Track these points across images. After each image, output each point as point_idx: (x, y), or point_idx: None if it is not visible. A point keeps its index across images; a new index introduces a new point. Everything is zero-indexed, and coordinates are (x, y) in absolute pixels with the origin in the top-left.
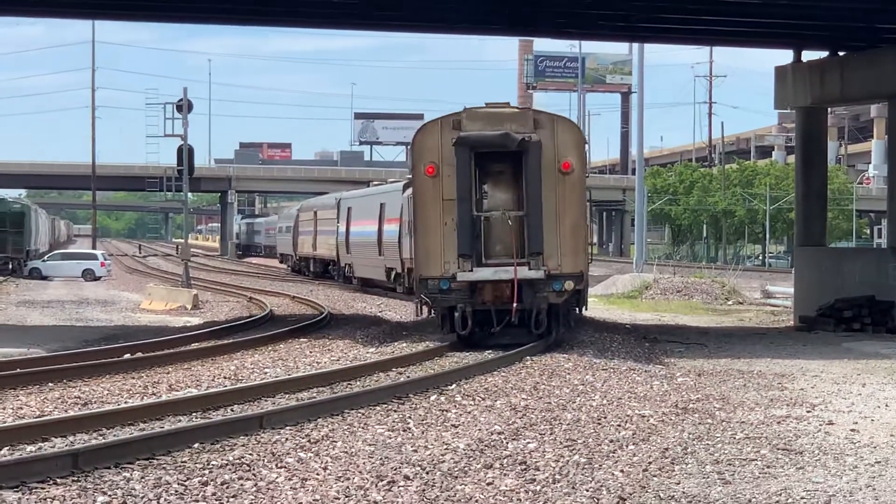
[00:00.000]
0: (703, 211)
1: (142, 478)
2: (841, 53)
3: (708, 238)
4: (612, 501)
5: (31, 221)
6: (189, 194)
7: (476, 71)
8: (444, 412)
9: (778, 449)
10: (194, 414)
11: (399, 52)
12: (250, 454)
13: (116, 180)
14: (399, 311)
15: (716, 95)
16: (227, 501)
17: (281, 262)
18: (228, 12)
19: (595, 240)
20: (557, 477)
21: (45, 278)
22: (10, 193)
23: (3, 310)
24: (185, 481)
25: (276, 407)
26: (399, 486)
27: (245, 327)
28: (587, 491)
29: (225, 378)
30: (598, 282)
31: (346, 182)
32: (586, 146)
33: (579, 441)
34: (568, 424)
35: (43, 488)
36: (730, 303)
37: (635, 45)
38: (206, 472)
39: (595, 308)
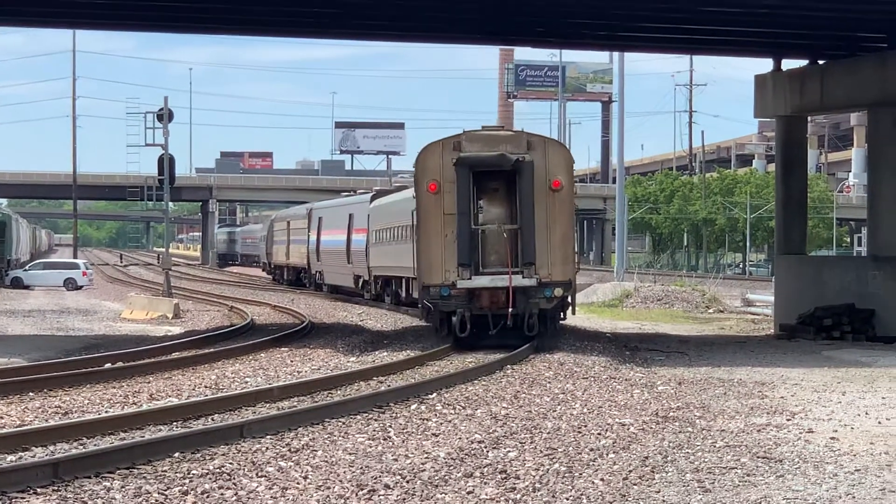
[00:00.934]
0: (684, 219)
1: (122, 487)
2: (821, 62)
3: (688, 246)
4: None
5: (11, 231)
6: (170, 204)
7: (456, 80)
8: (425, 421)
9: (758, 457)
10: (175, 423)
11: (379, 61)
12: (231, 463)
13: (97, 189)
14: (380, 320)
15: (696, 104)
16: None
17: (263, 270)
18: (209, 21)
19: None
20: (538, 486)
21: (26, 287)
22: None
23: None
24: (165, 490)
25: (256, 416)
26: (379, 495)
27: (226, 336)
28: (567, 500)
29: (206, 387)
30: (578, 290)
31: (327, 191)
32: (574, 165)
33: (559, 450)
34: (548, 433)
35: (23, 498)
36: (710, 311)
37: (616, 54)
38: (187, 481)
39: (576, 317)
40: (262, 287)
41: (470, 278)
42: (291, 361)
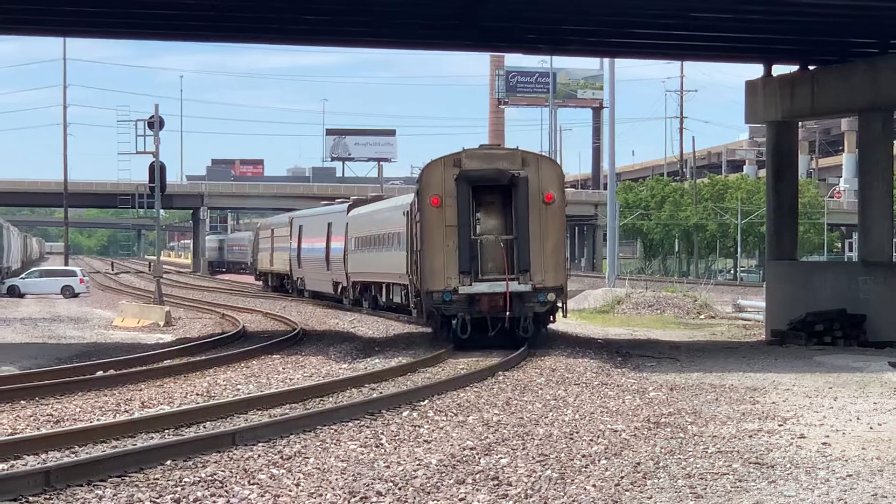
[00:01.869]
0: (675, 225)
1: (114, 495)
2: (811, 68)
3: (680, 252)
4: None
5: (2, 239)
6: (161, 211)
7: (447, 87)
8: (417, 428)
9: (750, 463)
10: (167, 431)
11: (370, 68)
12: (223, 471)
13: (88, 197)
14: (371, 327)
15: (687, 110)
16: None
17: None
18: (199, 29)
19: (567, 255)
20: (530, 492)
21: (22, 295)
22: None
23: None
24: (157, 498)
25: (248, 423)
26: (371, 502)
27: (218, 344)
28: None
29: (197, 395)
30: (570, 297)
31: (318, 198)
32: (565, 180)
33: (551, 456)
34: (540, 439)
35: None
36: (702, 317)
37: (606, 60)
38: (179, 489)
39: (567, 323)
40: (253, 294)
41: (470, 284)
42: (283, 369)
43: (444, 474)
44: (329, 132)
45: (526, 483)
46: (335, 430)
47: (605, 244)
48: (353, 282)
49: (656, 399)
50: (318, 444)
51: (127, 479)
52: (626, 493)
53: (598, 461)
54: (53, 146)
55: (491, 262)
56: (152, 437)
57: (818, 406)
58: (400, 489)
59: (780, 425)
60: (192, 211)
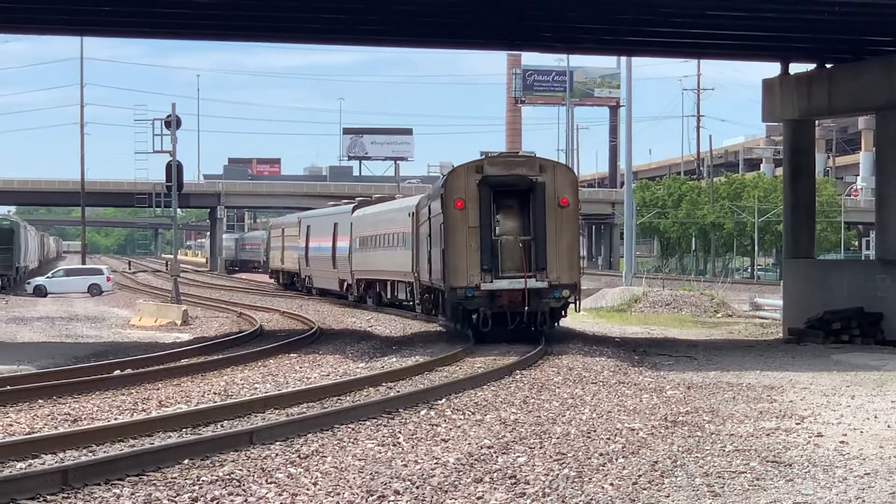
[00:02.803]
0: (692, 224)
1: (132, 494)
2: (828, 66)
3: (697, 251)
4: None
5: (20, 238)
6: (178, 210)
7: (464, 85)
8: (434, 427)
9: (767, 461)
10: (184, 430)
11: (387, 67)
12: (240, 470)
13: (105, 196)
14: (389, 326)
15: (704, 108)
16: None
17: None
18: (216, 28)
19: (584, 253)
20: (547, 491)
21: (46, 295)
22: None
23: None
24: (174, 497)
25: (265, 422)
26: (389, 501)
27: (235, 343)
28: None
29: (215, 394)
30: (587, 295)
31: (335, 197)
32: (581, 179)
33: (569, 455)
34: (558, 438)
35: None
36: (719, 315)
37: (623, 59)
38: (196, 488)
39: (584, 321)
40: (270, 293)
41: (491, 281)
42: (300, 368)
43: (461, 473)
44: (346, 131)
45: (543, 482)
46: (353, 429)
47: (622, 243)
48: (357, 279)
49: (674, 397)
50: (336, 443)
51: (144, 478)
52: (644, 491)
53: (616, 460)
54: (70, 146)
55: (510, 261)
56: (170, 437)
57: (836, 404)
58: (417, 488)
59: (797, 424)
60: (209, 210)
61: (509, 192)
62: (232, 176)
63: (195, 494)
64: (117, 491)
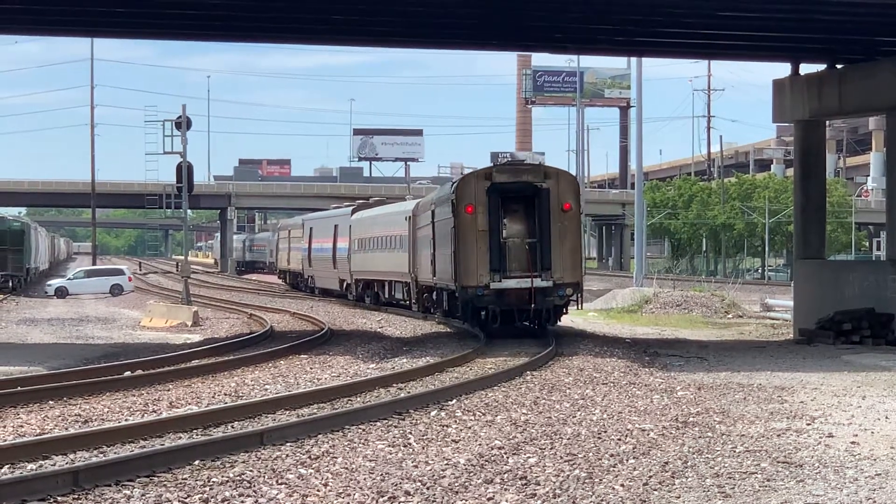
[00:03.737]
0: (703, 224)
1: (142, 495)
2: (839, 66)
3: (707, 252)
4: None
5: (30, 239)
6: (188, 211)
7: (474, 86)
8: (445, 427)
9: (778, 462)
10: (195, 431)
11: (397, 68)
12: (251, 470)
13: (116, 198)
14: (399, 327)
15: (714, 109)
16: None
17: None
18: (227, 29)
19: (594, 254)
20: (558, 492)
21: (62, 297)
22: (10, 212)
23: (3, 328)
24: (185, 498)
25: (276, 423)
26: (400, 502)
27: (245, 344)
28: None
29: (225, 395)
30: (597, 296)
31: (345, 198)
32: (581, 191)
33: (580, 455)
34: (568, 439)
35: None
36: (729, 316)
37: (633, 60)
38: (207, 489)
39: (595, 322)
40: (280, 294)
41: (500, 281)
42: (311, 369)
43: (472, 474)
44: (356, 132)
45: (554, 482)
46: (363, 430)
47: (633, 243)
48: (356, 279)
49: (684, 398)
50: (346, 443)
51: (155, 478)
52: (655, 492)
53: (627, 460)
54: (80, 147)
55: (516, 262)
56: (180, 437)
57: (846, 405)
58: (428, 489)
59: (808, 424)
60: (219, 211)
61: (516, 197)
62: (242, 177)
63: (206, 495)
64: (128, 492)
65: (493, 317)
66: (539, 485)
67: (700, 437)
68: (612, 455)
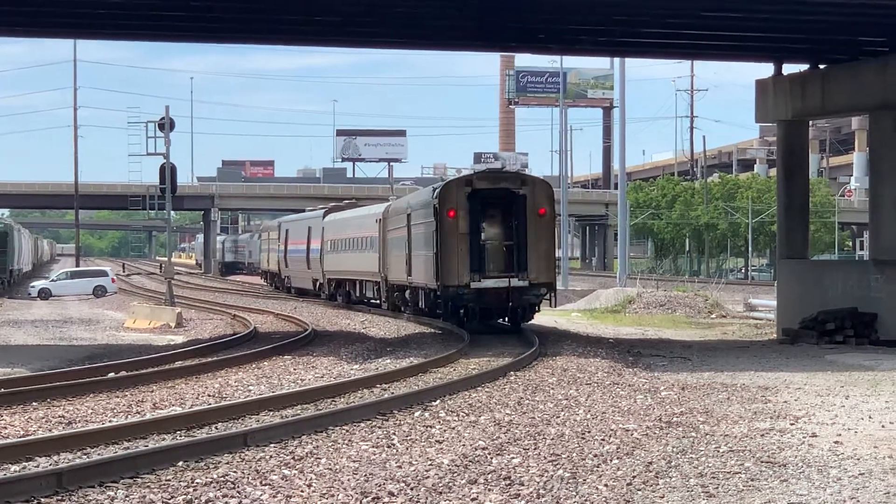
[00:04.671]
0: (686, 225)
1: (126, 496)
2: (822, 66)
3: (691, 252)
4: None
5: (13, 241)
6: (172, 212)
7: (458, 87)
8: (429, 428)
9: (762, 462)
10: (178, 432)
11: (380, 69)
12: (234, 472)
13: (99, 199)
14: (383, 327)
15: (697, 109)
16: None
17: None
18: (209, 30)
19: (578, 254)
20: (542, 492)
21: (45, 298)
22: None
23: None
24: (169, 500)
25: (260, 424)
26: (383, 503)
27: (229, 345)
28: None
29: (209, 396)
30: (580, 296)
31: (329, 199)
32: (565, 192)
33: (563, 456)
34: (552, 439)
35: None
36: (713, 316)
37: (616, 60)
38: (191, 490)
39: (578, 322)
40: (263, 295)
41: (480, 281)
42: (294, 369)
43: (455, 474)
44: (339, 133)
45: (538, 483)
46: (347, 431)
47: (616, 244)
48: (328, 279)
49: (668, 398)
50: (330, 444)
51: (139, 480)
52: (639, 492)
53: (610, 461)
54: (64, 148)
55: (494, 263)
56: (164, 439)
57: (830, 405)
58: (412, 489)
59: (791, 424)
60: (202, 212)
61: (495, 202)
62: (226, 178)
63: (189, 496)
64: (112, 493)
65: (473, 314)
66: (523, 485)
67: (684, 437)
68: (595, 455)
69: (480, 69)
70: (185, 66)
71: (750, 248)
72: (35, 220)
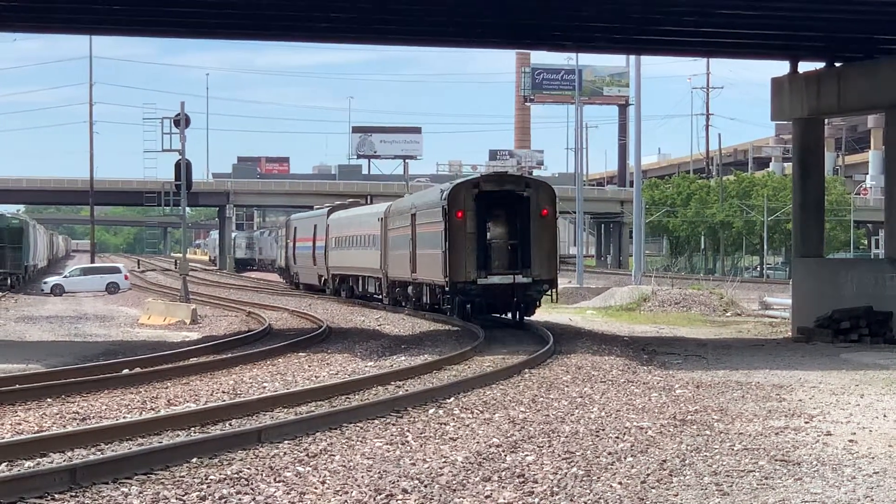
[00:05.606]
0: (701, 222)
1: (140, 493)
2: (837, 64)
3: (706, 250)
4: None
5: (29, 237)
6: (187, 209)
7: (473, 84)
8: (443, 425)
9: (776, 460)
10: (192, 428)
11: (396, 66)
12: (248, 468)
13: (114, 195)
14: (398, 325)
15: (713, 107)
16: None
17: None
18: (225, 27)
19: (593, 252)
20: (556, 490)
21: (59, 295)
22: (9, 209)
23: (2, 325)
24: (183, 496)
25: (274, 421)
26: (397, 500)
27: (243, 342)
28: (585, 503)
29: (223, 393)
30: (595, 294)
31: (344, 195)
32: (557, 199)
33: (577, 453)
34: (566, 437)
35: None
36: (728, 314)
37: (632, 58)
38: (205, 486)
39: (593, 320)
40: (279, 292)
41: (486, 277)
42: (309, 366)
43: (469, 472)
44: (355, 130)
45: (552, 480)
46: (361, 428)
47: (632, 241)
48: (332, 274)
49: (682, 396)
50: (344, 441)
51: (153, 476)
52: (653, 490)
53: (625, 458)
54: (79, 144)
55: (498, 261)
56: (178, 435)
57: (844, 403)
58: (426, 487)
59: (806, 423)
60: (217, 209)
61: (500, 203)
62: (241, 174)
63: (203, 493)
64: (125, 489)
65: (479, 308)
66: (537, 483)
67: (698, 435)
68: (609, 453)
69: (496, 66)
70: (201, 63)
71: (765, 247)
72: (50, 216)
